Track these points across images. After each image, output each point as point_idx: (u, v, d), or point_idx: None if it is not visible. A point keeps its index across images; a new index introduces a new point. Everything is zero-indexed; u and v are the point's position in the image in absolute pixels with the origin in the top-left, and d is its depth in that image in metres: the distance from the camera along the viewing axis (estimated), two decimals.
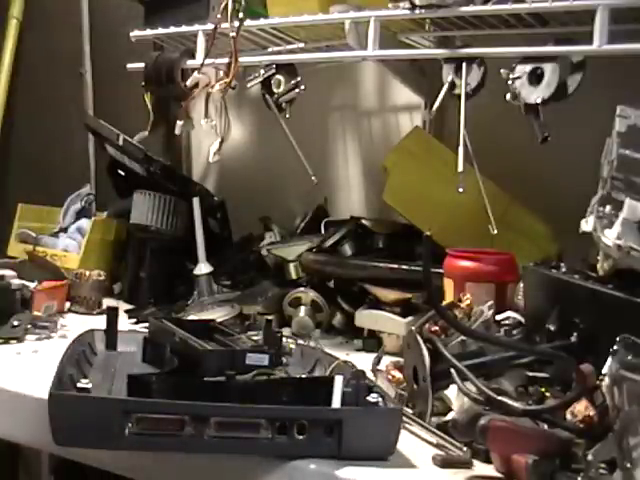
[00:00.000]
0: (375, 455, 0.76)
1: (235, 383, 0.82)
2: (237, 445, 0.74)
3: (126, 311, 1.41)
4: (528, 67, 1.07)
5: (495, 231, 1.14)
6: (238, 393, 0.78)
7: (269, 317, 1.19)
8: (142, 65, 1.45)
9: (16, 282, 1.28)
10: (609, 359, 0.70)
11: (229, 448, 0.74)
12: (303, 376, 0.94)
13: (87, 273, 1.47)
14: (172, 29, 1.43)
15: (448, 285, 1.11)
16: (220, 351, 0.95)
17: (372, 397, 0.78)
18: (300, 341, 1.10)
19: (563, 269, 0.92)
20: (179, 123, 1.48)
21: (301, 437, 0.73)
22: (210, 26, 1.34)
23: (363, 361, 1.00)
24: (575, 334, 0.85)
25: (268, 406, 0.75)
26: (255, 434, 0.73)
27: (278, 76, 1.34)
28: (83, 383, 0.74)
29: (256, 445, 0.74)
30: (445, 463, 0.75)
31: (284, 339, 1.02)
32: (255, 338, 1.07)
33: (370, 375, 0.98)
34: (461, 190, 1.11)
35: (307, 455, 0.75)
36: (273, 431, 0.73)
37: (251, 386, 0.83)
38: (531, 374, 0.84)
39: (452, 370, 0.82)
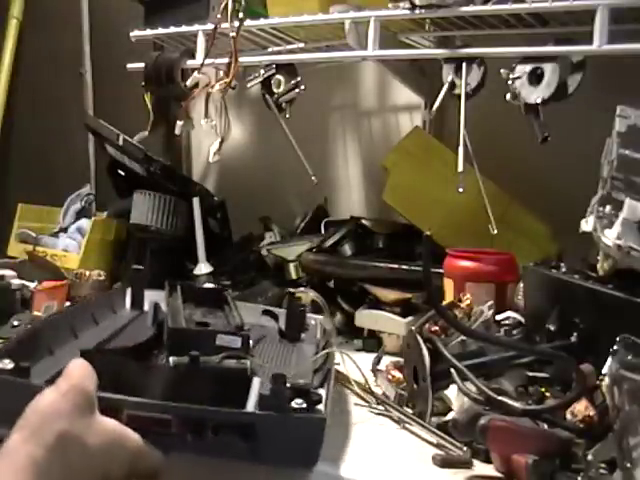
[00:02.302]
0: (295, 463, 0.71)
1: (164, 369, 0.80)
2: (152, 440, 0.68)
3: None
4: (528, 67, 1.07)
5: (495, 231, 1.14)
6: (165, 380, 0.75)
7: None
8: (142, 65, 1.45)
9: (16, 282, 1.29)
10: (609, 359, 0.70)
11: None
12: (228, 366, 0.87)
13: (87, 273, 1.47)
14: (172, 29, 1.43)
15: (448, 285, 1.11)
16: (188, 330, 0.91)
17: (296, 403, 0.72)
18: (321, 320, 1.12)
19: (563, 269, 0.92)
20: (179, 123, 1.48)
21: (216, 437, 0.69)
22: (210, 26, 1.34)
23: (363, 361, 1.00)
24: (575, 334, 0.85)
25: (180, 404, 0.70)
26: (168, 430, 0.69)
27: (278, 76, 1.34)
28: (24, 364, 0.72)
29: (168, 442, 0.69)
30: (445, 463, 0.75)
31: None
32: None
33: (370, 376, 0.99)
34: (461, 190, 1.11)
35: (220, 456, 0.71)
36: (186, 429, 0.69)
37: (178, 375, 0.79)
38: (531, 374, 0.84)
39: (452, 370, 0.82)
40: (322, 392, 0.77)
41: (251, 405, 0.71)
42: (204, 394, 0.72)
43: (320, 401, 0.74)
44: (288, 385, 0.73)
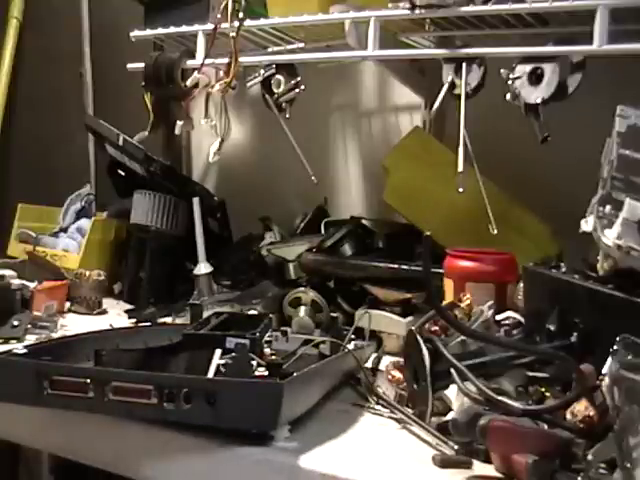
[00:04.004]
0: (254, 427, 0.76)
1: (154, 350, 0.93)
2: (131, 409, 0.77)
3: (126, 311, 1.41)
4: (528, 67, 1.08)
5: (495, 231, 1.14)
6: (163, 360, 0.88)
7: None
8: (142, 65, 1.45)
9: (16, 282, 1.29)
10: (609, 359, 0.70)
11: (125, 411, 0.78)
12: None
13: (87, 273, 1.47)
14: (172, 29, 1.43)
15: (448, 285, 1.11)
16: (199, 334, 0.95)
17: (259, 371, 0.81)
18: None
19: (563, 269, 0.92)
20: (179, 123, 1.48)
21: (188, 406, 0.75)
22: (210, 26, 1.34)
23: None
24: (575, 334, 0.85)
25: (155, 373, 0.79)
26: (147, 400, 0.76)
27: (278, 76, 1.34)
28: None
29: (146, 410, 0.77)
30: (445, 463, 0.75)
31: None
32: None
33: (369, 374, 0.99)
34: (461, 190, 1.11)
35: (190, 423, 0.76)
36: (162, 398, 0.76)
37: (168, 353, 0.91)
38: (531, 374, 0.84)
39: (452, 370, 0.82)
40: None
41: (211, 372, 0.79)
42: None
43: (288, 375, 0.79)
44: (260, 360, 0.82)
